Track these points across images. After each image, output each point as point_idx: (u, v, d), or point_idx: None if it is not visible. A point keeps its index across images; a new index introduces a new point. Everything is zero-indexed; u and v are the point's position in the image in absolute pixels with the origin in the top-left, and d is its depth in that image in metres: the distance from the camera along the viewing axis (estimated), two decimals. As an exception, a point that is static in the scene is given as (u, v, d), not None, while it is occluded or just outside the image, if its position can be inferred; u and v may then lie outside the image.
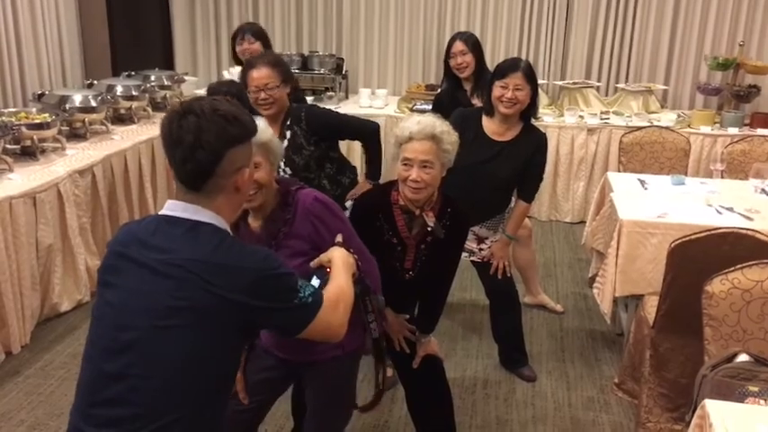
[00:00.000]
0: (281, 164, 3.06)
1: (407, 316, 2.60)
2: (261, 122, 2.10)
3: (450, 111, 3.22)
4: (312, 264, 1.94)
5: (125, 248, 1.61)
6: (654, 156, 4.49)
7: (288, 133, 3.11)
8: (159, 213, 1.65)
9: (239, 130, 1.60)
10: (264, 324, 1.69)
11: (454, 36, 4.02)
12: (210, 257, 1.54)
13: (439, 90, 4.36)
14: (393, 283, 2.42)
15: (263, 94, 3.00)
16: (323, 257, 1.92)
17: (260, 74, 3.00)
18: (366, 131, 3.31)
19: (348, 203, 3.14)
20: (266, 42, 4.27)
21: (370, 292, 2.08)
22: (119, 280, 1.59)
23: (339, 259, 1.88)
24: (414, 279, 2.49)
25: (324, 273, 1.88)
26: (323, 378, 2.28)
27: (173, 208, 1.62)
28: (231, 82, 3.58)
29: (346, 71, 6.34)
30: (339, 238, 2.01)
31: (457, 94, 3.93)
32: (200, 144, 1.54)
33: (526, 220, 3.83)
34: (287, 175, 3.06)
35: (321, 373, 2.26)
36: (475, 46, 3.91)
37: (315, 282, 1.84)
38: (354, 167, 3.52)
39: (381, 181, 3.21)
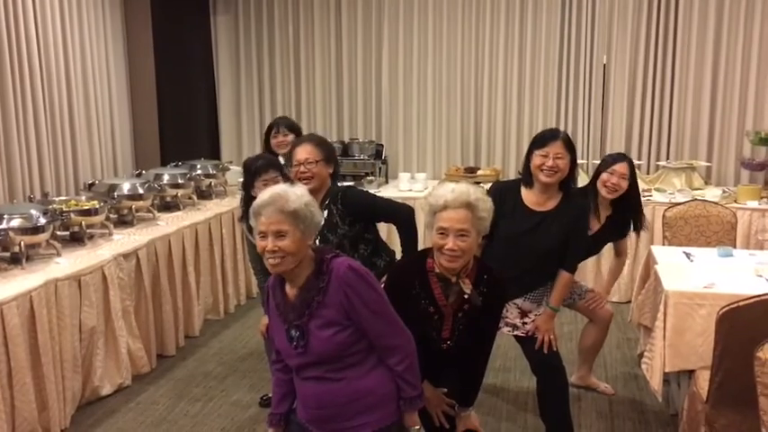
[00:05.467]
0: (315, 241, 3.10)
1: (445, 390, 2.52)
2: (298, 189, 2.14)
3: None
4: None
5: None
6: (699, 230, 4.39)
7: (325, 212, 3.15)
8: None
9: None
10: None
11: (615, 158, 3.66)
12: None
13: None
14: (431, 354, 2.37)
15: (302, 168, 3.10)
16: None
17: (302, 149, 3.15)
18: (400, 215, 3.30)
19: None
20: (299, 134, 4.40)
21: None
22: None
23: None
24: (452, 348, 2.43)
25: None
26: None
27: None
28: (264, 155, 3.74)
29: (386, 156, 6.47)
30: None
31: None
32: None
33: (609, 304, 3.84)
34: None
35: (358, 449, 2.19)
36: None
37: None
38: (393, 251, 3.52)
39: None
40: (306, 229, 2.11)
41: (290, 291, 2.17)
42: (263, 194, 2.14)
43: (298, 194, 2.12)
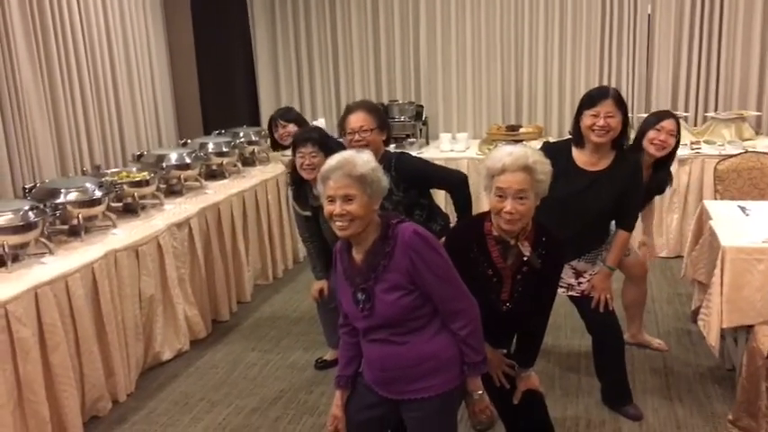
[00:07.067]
0: None
1: (505, 351, 2.55)
2: (365, 155, 2.17)
3: None
4: None
5: None
6: (753, 182, 4.30)
7: None
8: None
9: None
10: None
11: (661, 115, 3.57)
12: None
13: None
14: (490, 316, 2.38)
15: (356, 137, 3.11)
16: None
17: (356, 117, 3.15)
18: (454, 182, 3.30)
19: None
20: (299, 121, 4.25)
21: None
22: None
23: None
24: (511, 311, 2.45)
25: None
26: (422, 416, 2.26)
27: None
28: (315, 128, 3.70)
29: (426, 117, 6.42)
30: None
31: None
32: None
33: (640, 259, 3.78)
34: None
35: (420, 412, 2.25)
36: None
37: None
38: (447, 215, 3.53)
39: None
40: (373, 193, 2.14)
41: (357, 255, 2.21)
42: (331, 160, 2.18)
43: (365, 159, 2.15)
